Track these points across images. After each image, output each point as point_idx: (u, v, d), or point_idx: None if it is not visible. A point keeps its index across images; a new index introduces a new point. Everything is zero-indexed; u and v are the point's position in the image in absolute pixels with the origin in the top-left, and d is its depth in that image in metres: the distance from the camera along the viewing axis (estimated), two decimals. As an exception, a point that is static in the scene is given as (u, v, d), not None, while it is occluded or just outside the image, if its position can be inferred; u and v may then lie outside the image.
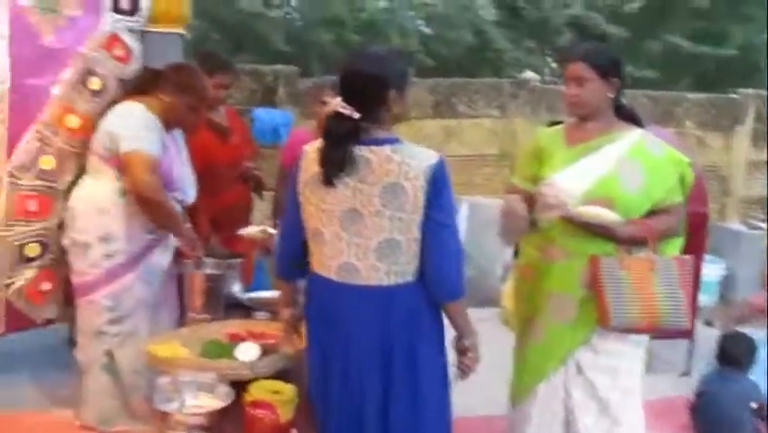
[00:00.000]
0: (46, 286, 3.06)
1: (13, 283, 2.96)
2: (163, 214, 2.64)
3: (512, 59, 9.10)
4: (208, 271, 2.67)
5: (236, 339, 2.27)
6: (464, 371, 1.92)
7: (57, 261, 3.00)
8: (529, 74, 6.72)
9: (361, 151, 1.85)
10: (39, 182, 2.97)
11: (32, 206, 2.97)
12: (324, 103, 2.86)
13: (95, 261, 2.68)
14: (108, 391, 2.71)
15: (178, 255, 2.76)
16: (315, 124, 3.24)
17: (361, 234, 1.85)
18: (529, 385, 2.31)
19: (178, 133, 2.88)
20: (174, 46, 3.32)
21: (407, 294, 1.89)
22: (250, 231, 3.04)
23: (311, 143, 1.98)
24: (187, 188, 2.85)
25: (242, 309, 2.73)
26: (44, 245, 3.01)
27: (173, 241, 2.83)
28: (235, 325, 2.40)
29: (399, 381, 1.88)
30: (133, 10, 3.07)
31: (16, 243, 2.95)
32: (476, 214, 5.15)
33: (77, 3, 2.96)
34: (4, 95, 2.81)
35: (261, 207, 3.74)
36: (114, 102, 2.74)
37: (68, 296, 2.95)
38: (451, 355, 1.95)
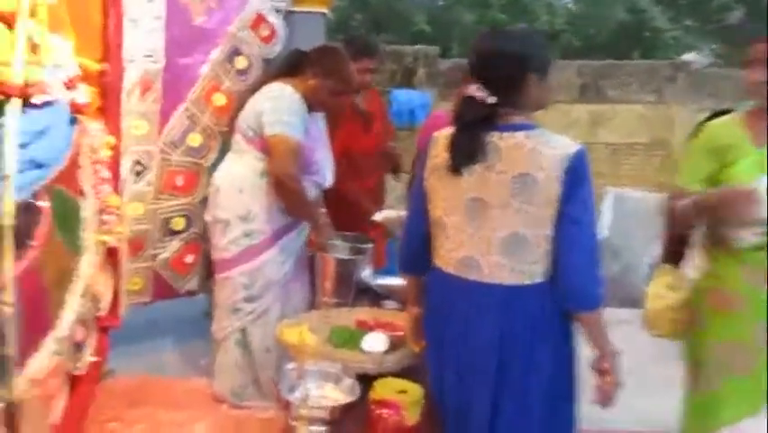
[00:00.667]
0: (189, 259, 3.19)
1: (160, 254, 3.12)
2: (296, 202, 2.64)
3: (670, 40, 8.43)
4: (339, 255, 2.65)
5: (364, 327, 2.23)
6: (603, 396, 1.71)
7: (200, 235, 3.12)
8: (691, 56, 6.18)
9: (493, 137, 1.70)
10: (186, 159, 3.09)
11: (180, 181, 3.10)
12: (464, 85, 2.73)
13: (233, 238, 2.73)
14: (240, 365, 2.78)
15: (310, 242, 2.77)
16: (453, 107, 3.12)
17: (485, 227, 1.70)
18: (729, 420, 2.04)
19: (319, 116, 2.87)
20: (318, 26, 3.32)
21: (532, 297, 1.69)
22: (386, 215, 2.99)
23: (445, 128, 1.86)
24: (326, 171, 2.84)
25: (372, 295, 2.69)
26: (189, 220, 3.14)
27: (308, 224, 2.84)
28: (364, 312, 2.35)
29: (511, 392, 1.70)
30: (279, -10, 3.11)
31: (164, 216, 3.09)
32: (621, 206, 4.82)
33: (227, -17, 3.03)
34: (159, 74, 2.93)
35: (396, 189, 3.69)
36: (260, 82, 2.77)
37: (208, 270, 3.06)
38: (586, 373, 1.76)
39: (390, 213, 3.05)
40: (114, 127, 2.66)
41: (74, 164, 2.34)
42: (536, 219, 1.66)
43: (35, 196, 2.00)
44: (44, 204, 2.10)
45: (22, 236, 1.94)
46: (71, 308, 2.30)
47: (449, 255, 1.77)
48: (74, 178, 2.38)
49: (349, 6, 7.63)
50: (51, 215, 2.14)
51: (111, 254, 2.66)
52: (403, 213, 2.87)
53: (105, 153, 2.60)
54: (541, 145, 1.66)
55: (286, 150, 2.57)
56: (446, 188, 1.76)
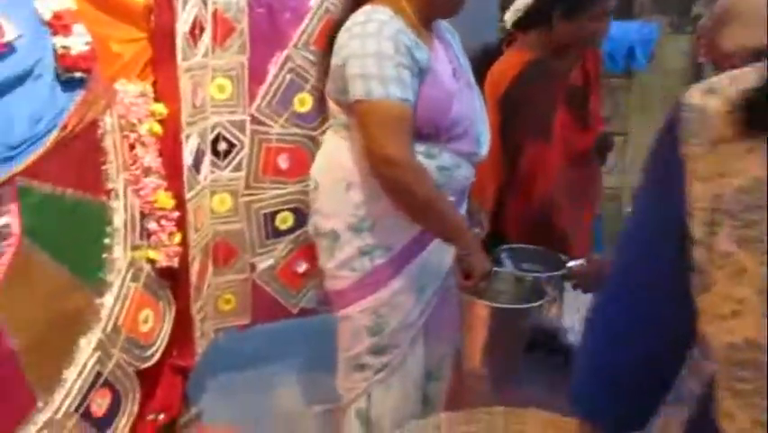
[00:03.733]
0: (302, 266, 2.31)
1: (261, 262, 2.28)
2: (408, 199, 1.62)
3: None
4: (500, 302, 1.57)
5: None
6: None
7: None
8: None
9: None
10: (293, 130, 2.18)
11: (284, 162, 2.20)
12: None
13: (345, 259, 1.77)
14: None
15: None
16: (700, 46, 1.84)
17: None
18: None
19: (455, 41, 1.81)
20: None
21: None
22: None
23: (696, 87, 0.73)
24: (478, 134, 1.77)
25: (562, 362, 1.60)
26: (298, 215, 2.25)
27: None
28: (538, 420, 1.27)
29: None
30: None
31: (264, 211, 2.23)
32: None
33: None
34: (243, 9, 2.02)
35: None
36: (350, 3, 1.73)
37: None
38: None
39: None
40: (167, 90, 1.81)
41: (73, 148, 1.52)
42: None
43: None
44: (5, 217, 1.31)
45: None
46: (80, 367, 1.51)
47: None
48: (83, 169, 1.57)
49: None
50: (23, 232, 1.34)
51: (165, 276, 1.85)
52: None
53: (152, 129, 1.76)
54: None
55: (378, 121, 1.55)
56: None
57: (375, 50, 1.55)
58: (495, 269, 1.65)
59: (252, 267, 2.26)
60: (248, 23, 2.03)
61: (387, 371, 1.79)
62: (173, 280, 1.90)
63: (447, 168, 1.71)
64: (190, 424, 2.19)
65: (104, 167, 1.62)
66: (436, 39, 1.73)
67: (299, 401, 2.37)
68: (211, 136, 2.06)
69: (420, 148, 1.66)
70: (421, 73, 1.61)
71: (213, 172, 2.09)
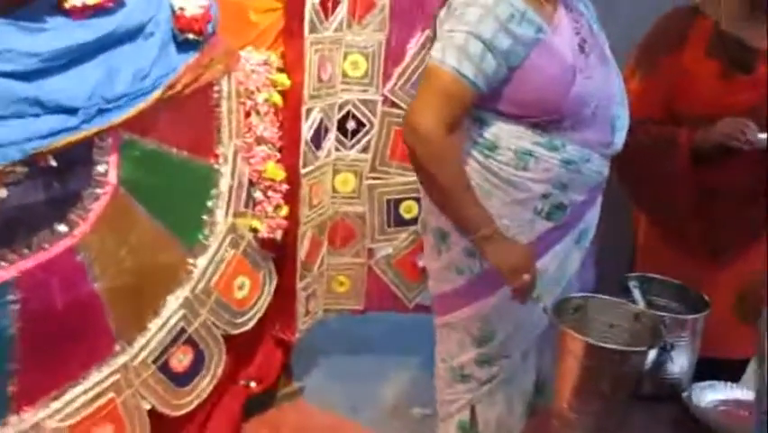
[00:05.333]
0: (422, 260, 2.21)
1: (380, 249, 2.21)
2: (432, 185, 1.47)
3: None
4: (599, 340, 1.34)
5: None
6: None
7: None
8: None
9: None
10: (427, 115, 2.08)
11: (414, 148, 2.11)
12: None
13: (452, 259, 1.63)
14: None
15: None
16: None
17: None
18: None
19: (589, 12, 1.58)
20: None
21: None
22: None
23: None
24: (613, 118, 1.53)
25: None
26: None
27: (591, 228, 1.61)
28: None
29: None
30: None
31: (388, 196, 2.16)
32: None
33: None
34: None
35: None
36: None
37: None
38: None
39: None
40: (294, 62, 1.80)
41: (185, 109, 1.56)
42: None
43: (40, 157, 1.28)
44: (103, 165, 1.38)
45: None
46: (164, 321, 1.56)
47: None
48: (194, 130, 1.61)
49: None
50: (119, 182, 1.40)
51: (270, 248, 1.85)
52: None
53: (272, 99, 1.76)
54: None
55: (434, 89, 1.41)
56: None
57: (473, 20, 1.40)
58: (600, 296, 1.42)
59: (370, 253, 2.20)
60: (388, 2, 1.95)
61: (494, 383, 1.63)
62: (280, 253, 1.90)
63: (574, 161, 1.49)
64: (290, 398, 2.19)
65: (216, 131, 1.64)
66: (563, 7, 1.52)
67: (401, 400, 2.27)
68: (340, 114, 2.02)
69: (541, 139, 1.48)
70: (528, 46, 1.43)
71: (338, 150, 2.06)
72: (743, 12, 1.76)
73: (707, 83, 1.73)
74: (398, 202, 2.16)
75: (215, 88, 1.62)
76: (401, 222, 2.18)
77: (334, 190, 2.10)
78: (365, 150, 2.09)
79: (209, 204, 1.65)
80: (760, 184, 1.68)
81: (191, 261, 1.61)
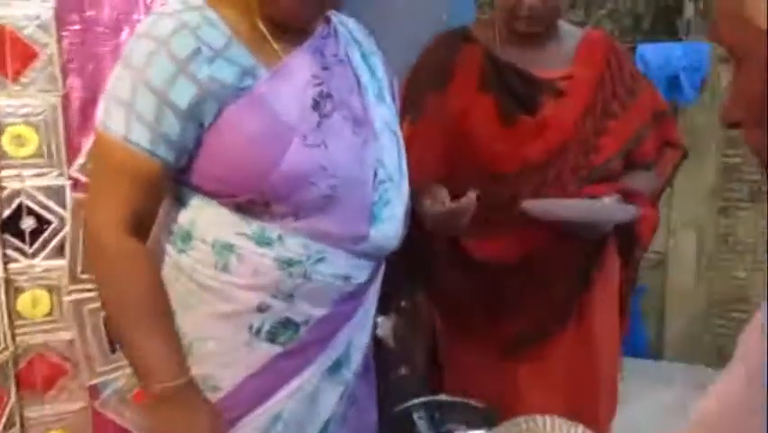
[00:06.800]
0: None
1: (107, 384, 1.60)
2: (123, 340, 1.11)
3: None
4: None
5: None
6: None
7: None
8: None
9: None
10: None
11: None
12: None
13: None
14: None
15: None
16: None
17: None
18: None
19: (370, 63, 1.17)
20: None
21: None
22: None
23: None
24: (371, 204, 1.09)
25: None
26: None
27: (356, 352, 1.17)
28: None
29: None
30: None
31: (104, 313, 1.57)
32: None
33: None
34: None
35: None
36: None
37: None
38: None
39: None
40: None
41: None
42: None
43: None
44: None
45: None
46: None
47: None
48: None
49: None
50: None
51: None
52: None
53: None
54: None
55: (98, 169, 1.12)
56: None
57: (142, 61, 0.98)
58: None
59: (93, 391, 1.59)
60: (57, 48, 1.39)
61: None
62: None
63: (296, 261, 1.03)
64: None
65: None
66: (305, 49, 1.06)
67: None
68: (9, 211, 1.43)
69: (247, 229, 1.03)
70: (223, 97, 0.98)
71: (15, 262, 1.45)
72: (519, 29, 1.38)
73: (483, 127, 1.33)
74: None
75: None
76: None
77: (19, 317, 1.48)
78: (58, 255, 1.49)
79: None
80: (546, 259, 1.29)
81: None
